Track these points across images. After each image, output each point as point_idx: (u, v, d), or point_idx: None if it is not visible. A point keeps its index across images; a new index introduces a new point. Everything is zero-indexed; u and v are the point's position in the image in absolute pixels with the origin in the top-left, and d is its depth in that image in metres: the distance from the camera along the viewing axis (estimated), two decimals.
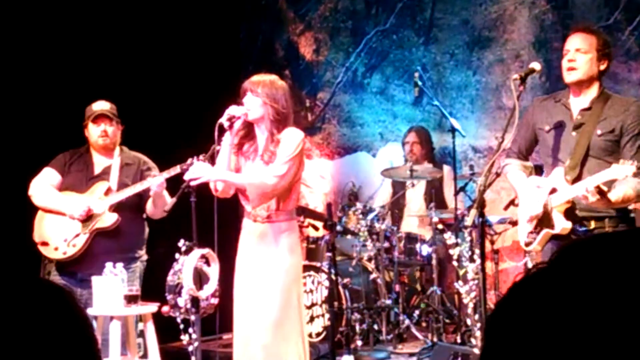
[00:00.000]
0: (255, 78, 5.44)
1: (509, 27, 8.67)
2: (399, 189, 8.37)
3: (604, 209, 4.65)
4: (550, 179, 4.87)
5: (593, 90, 4.88)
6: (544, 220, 4.83)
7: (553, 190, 4.81)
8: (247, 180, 5.33)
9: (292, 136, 5.38)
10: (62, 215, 6.26)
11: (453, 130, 7.59)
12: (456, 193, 7.52)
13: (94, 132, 6.36)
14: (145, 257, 6.49)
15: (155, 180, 6.07)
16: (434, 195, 7.92)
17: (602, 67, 4.85)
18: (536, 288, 0.93)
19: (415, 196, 8.35)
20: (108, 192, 6.28)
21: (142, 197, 6.27)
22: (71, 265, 6.24)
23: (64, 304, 1.15)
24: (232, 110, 5.34)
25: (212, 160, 5.39)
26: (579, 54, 4.80)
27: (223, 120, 5.31)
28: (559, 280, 0.91)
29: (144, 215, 6.46)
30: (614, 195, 4.48)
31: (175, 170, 6.05)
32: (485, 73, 8.82)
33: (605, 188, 4.42)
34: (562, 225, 4.73)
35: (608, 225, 4.73)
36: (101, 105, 6.38)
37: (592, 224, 4.75)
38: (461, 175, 7.87)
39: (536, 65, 4.91)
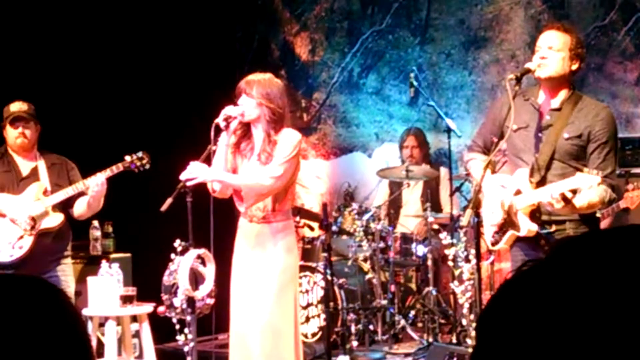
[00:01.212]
0: (250, 78, 5.42)
1: (504, 27, 8.67)
2: (395, 189, 8.37)
3: (567, 213, 4.63)
4: (514, 180, 4.83)
5: (563, 91, 4.83)
6: (509, 222, 4.82)
7: (517, 192, 4.78)
8: (243, 181, 5.32)
9: (290, 137, 5.37)
10: (1, 217, 6.18)
11: (449, 130, 7.59)
12: (452, 193, 7.52)
13: (12, 134, 6.29)
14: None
15: (96, 180, 6.05)
16: (430, 195, 7.92)
17: (574, 67, 4.78)
18: (528, 285, 0.93)
19: (412, 197, 8.34)
20: (46, 192, 6.22)
21: (68, 197, 6.20)
22: (14, 269, 6.12)
23: (56, 302, 1.15)
24: (228, 110, 5.34)
25: (208, 160, 5.38)
26: (551, 52, 4.73)
27: (219, 121, 5.29)
28: (551, 277, 0.91)
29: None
30: (579, 202, 4.47)
31: (118, 168, 6.11)
32: (481, 73, 8.83)
33: (569, 195, 4.40)
34: (527, 227, 4.71)
35: (569, 228, 4.71)
36: (18, 107, 6.30)
37: (553, 227, 4.74)
38: (457, 176, 7.88)
39: (531, 65, 4.89)
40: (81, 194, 6.16)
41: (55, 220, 6.16)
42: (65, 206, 6.26)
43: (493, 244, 4.99)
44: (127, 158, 6.16)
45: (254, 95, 5.32)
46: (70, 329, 1.14)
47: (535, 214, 4.73)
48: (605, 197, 4.58)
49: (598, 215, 4.95)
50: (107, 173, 6.07)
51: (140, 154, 6.18)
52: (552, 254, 0.94)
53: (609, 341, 0.85)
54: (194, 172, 5.22)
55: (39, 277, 1.19)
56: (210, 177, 5.29)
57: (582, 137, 4.72)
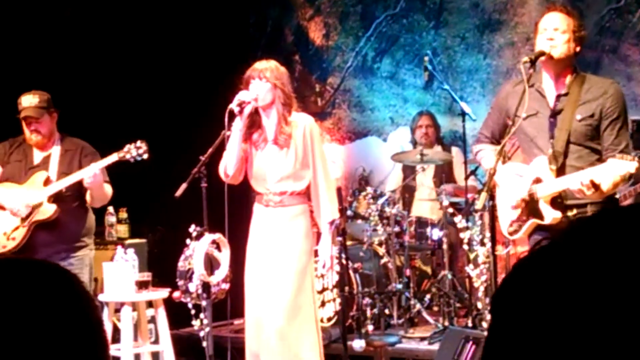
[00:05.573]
0: (261, 65, 5.47)
1: (519, 10, 8.62)
2: (409, 174, 8.35)
3: (595, 198, 4.62)
4: (532, 168, 4.82)
5: (568, 75, 4.82)
6: (530, 210, 4.80)
7: (537, 180, 4.77)
8: (328, 198, 5.62)
9: (315, 129, 5.54)
10: (1, 209, 6.08)
11: (463, 114, 7.57)
12: (466, 177, 7.50)
13: (26, 130, 6.13)
14: (92, 246, 6.32)
15: (87, 171, 5.86)
16: (445, 178, 7.91)
17: (577, 50, 4.79)
18: (540, 265, 0.93)
19: (425, 180, 8.33)
20: (47, 182, 6.05)
21: (82, 185, 5.98)
22: None
23: (68, 287, 1.15)
24: (242, 95, 5.36)
25: (222, 145, 5.40)
26: (557, 33, 4.73)
27: (233, 106, 5.32)
28: (564, 256, 0.91)
29: (87, 203, 6.22)
30: (606, 185, 4.46)
31: (112, 158, 5.91)
32: (495, 56, 8.79)
33: (598, 181, 4.41)
34: (551, 215, 4.70)
35: (590, 211, 4.68)
36: (29, 101, 6.07)
37: (575, 211, 4.72)
38: (472, 159, 7.85)
39: (545, 48, 4.87)
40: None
41: (47, 211, 5.98)
42: (79, 195, 6.11)
43: (511, 234, 4.98)
44: (125, 147, 5.94)
45: (269, 78, 5.37)
46: (83, 314, 1.14)
47: (556, 200, 4.72)
48: (626, 173, 4.57)
49: (617, 196, 4.93)
50: (101, 164, 5.88)
51: (138, 142, 5.94)
52: (565, 234, 0.94)
53: (621, 321, 0.85)
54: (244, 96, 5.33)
55: (51, 262, 1.19)
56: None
57: (595, 117, 4.72)
